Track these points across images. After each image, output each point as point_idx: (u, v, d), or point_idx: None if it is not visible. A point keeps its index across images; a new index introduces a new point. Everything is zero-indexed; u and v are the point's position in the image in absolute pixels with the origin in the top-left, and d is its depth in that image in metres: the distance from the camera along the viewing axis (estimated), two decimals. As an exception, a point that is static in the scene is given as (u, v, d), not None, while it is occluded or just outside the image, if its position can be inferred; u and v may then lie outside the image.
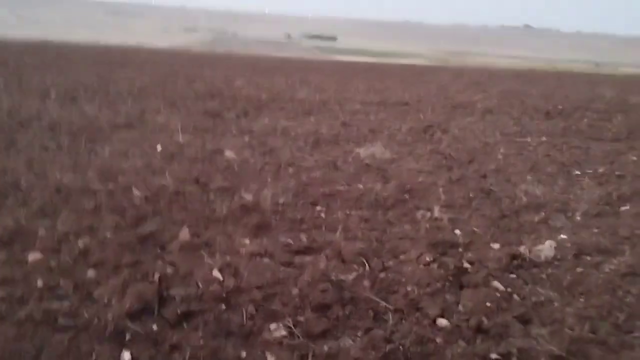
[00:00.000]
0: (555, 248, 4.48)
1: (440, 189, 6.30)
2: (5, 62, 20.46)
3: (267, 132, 9.40)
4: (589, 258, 4.46)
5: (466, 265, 4.10)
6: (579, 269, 4.15)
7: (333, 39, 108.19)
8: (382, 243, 4.59)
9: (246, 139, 8.70)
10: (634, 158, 8.81)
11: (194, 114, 11.00)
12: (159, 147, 7.61)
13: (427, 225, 5.08)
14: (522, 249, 4.45)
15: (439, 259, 4.16)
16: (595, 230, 5.21)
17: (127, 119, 9.76)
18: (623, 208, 6.08)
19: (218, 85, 17.05)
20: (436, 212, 5.42)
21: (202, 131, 9.18)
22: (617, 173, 7.65)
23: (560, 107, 15.36)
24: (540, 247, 4.46)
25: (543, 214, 5.71)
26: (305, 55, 62.64)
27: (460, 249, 4.53)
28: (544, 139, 10.33)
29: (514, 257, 4.25)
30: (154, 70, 22.07)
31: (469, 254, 4.41)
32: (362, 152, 8.13)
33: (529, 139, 10.16)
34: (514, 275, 4.03)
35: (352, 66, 38.52)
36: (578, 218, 5.66)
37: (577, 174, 7.50)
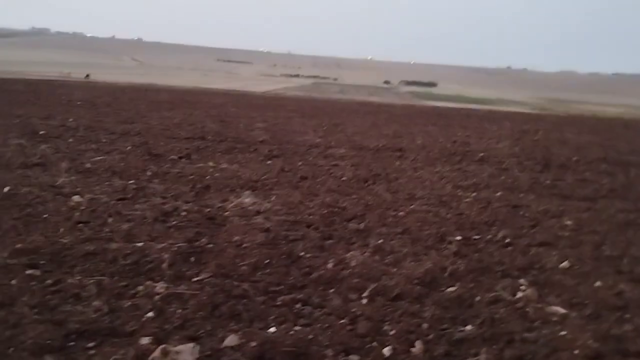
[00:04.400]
0: None
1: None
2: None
3: (181, 176, 8.51)
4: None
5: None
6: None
7: (432, 85, 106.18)
8: None
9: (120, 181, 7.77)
10: (569, 222, 7.00)
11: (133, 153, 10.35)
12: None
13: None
14: None
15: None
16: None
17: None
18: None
19: (235, 125, 16.51)
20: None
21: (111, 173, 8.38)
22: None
23: (575, 158, 13.29)
24: None
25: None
26: (396, 100, 61.38)
27: None
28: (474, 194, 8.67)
29: None
30: (194, 110, 21.83)
31: None
32: (236, 202, 7.03)
33: (473, 194, 8.53)
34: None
35: (426, 111, 36.92)
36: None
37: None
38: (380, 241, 5.67)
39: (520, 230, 6.51)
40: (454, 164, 11.78)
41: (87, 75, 47.17)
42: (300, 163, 10.73)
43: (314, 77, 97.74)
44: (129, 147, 10.97)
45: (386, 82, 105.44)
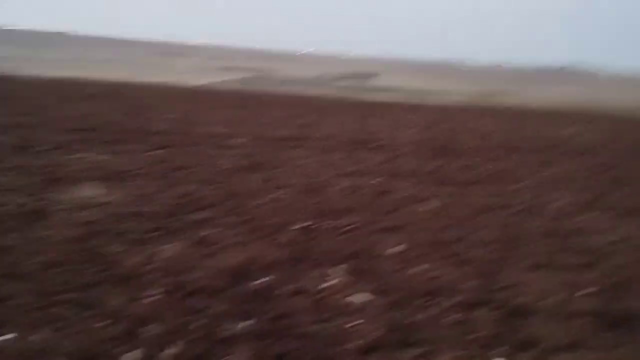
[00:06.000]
0: None
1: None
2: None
3: (38, 168, 7.85)
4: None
5: None
6: None
7: (370, 76, 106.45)
8: None
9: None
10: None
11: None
12: None
13: None
14: None
15: None
16: None
17: None
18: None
19: (142, 117, 15.73)
20: None
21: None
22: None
23: (473, 145, 13.30)
24: None
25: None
26: (333, 93, 61.05)
27: None
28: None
29: None
30: (107, 103, 20.79)
31: None
32: (75, 194, 6.49)
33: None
34: None
35: (354, 103, 36.64)
36: None
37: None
38: (211, 232, 5.27)
39: (373, 216, 6.24)
40: (349, 152, 11.52)
41: None
42: (186, 154, 10.23)
43: (250, 70, 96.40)
44: (2, 139, 10.17)
45: (324, 74, 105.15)
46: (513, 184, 8.62)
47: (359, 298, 3.95)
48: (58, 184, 6.94)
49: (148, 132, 12.87)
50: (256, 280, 4.21)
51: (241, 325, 3.44)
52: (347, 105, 32.28)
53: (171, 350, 3.08)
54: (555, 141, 15.52)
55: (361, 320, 3.61)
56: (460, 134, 16.58)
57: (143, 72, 66.46)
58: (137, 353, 3.04)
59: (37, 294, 3.71)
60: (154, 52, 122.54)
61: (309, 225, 5.71)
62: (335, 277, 4.30)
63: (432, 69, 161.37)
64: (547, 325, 3.67)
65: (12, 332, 3.17)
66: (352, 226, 5.76)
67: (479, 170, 9.86)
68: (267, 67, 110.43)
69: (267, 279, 4.21)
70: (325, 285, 4.15)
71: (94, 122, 13.70)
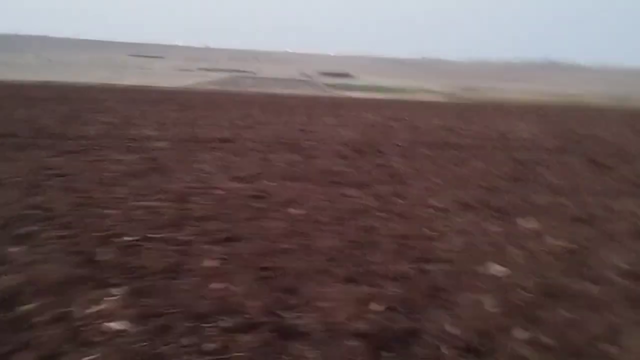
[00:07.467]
0: None
1: None
2: None
3: None
4: None
5: None
6: None
7: (347, 75, 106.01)
8: None
9: None
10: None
11: None
12: None
13: None
14: None
15: None
16: None
17: None
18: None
19: (73, 121, 15.16)
20: None
21: None
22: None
23: (399, 144, 12.88)
24: None
25: None
26: (310, 92, 60.37)
27: None
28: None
29: None
30: (58, 107, 20.13)
31: None
32: None
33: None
34: None
35: (322, 101, 36.16)
36: None
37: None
38: (18, 248, 4.75)
39: (224, 225, 5.75)
40: (266, 154, 11.05)
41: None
42: (87, 159, 9.69)
43: (232, 71, 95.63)
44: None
45: (304, 74, 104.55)
46: (406, 185, 8.17)
47: (120, 325, 3.47)
48: None
49: (70, 136, 12.37)
50: (22, 306, 3.72)
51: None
52: (309, 104, 31.86)
53: None
54: (495, 137, 15.17)
55: (99, 354, 3.13)
56: (400, 131, 16.19)
57: (122, 75, 65.38)
58: None
59: None
60: (132, 53, 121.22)
61: (142, 237, 5.22)
62: (114, 300, 3.81)
63: (411, 67, 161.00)
64: (316, 349, 3.23)
65: None
66: (190, 238, 5.27)
67: (386, 170, 9.41)
68: (249, 67, 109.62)
69: (31, 305, 3.72)
70: (94, 310, 3.67)
71: (19, 126, 13.20)
